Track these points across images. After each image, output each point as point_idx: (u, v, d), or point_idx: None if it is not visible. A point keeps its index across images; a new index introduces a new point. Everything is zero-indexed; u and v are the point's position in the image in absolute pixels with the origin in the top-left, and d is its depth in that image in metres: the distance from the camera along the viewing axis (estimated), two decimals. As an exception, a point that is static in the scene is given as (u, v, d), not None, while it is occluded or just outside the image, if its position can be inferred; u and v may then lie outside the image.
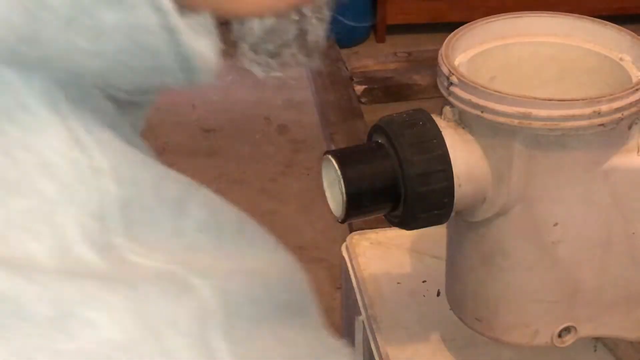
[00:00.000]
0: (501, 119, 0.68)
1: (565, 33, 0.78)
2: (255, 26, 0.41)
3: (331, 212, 0.73)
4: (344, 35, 3.01)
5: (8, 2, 0.32)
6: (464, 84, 0.69)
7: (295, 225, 2.18)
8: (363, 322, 0.91)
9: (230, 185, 2.32)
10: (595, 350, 0.83)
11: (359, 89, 2.73)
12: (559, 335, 0.76)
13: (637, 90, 0.68)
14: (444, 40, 0.74)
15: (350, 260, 0.97)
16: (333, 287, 1.98)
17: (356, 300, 0.92)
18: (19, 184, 0.34)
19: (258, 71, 0.43)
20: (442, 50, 0.73)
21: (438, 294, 0.90)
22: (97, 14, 0.33)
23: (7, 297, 0.31)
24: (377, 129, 0.72)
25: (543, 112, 0.67)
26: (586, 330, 0.77)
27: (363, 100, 2.71)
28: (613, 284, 0.75)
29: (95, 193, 0.34)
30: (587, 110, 0.67)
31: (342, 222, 0.72)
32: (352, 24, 3.05)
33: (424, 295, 0.91)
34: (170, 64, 0.36)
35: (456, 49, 0.74)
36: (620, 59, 0.75)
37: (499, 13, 0.78)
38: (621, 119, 0.68)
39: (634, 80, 0.72)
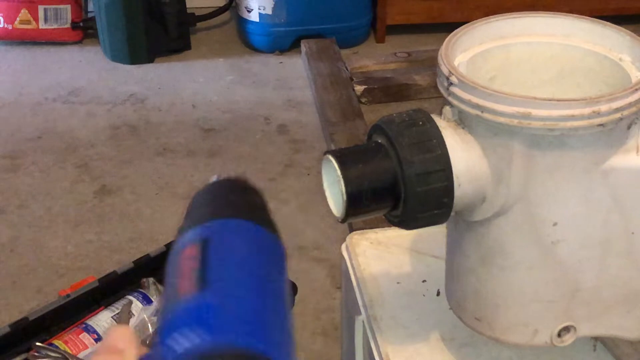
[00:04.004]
0: (501, 119, 0.68)
1: (564, 33, 0.78)
2: None
3: (331, 212, 0.73)
4: (344, 35, 3.02)
5: None
6: (464, 84, 0.69)
7: (295, 225, 2.18)
8: (363, 322, 0.91)
9: (231, 185, 2.32)
10: (594, 350, 0.83)
11: (359, 89, 2.72)
12: (559, 335, 0.76)
13: (636, 90, 0.68)
14: (444, 40, 0.74)
15: (350, 260, 0.97)
16: (333, 287, 1.98)
17: (356, 300, 0.92)
18: None
19: None
20: (442, 50, 0.73)
21: (438, 294, 0.90)
22: None
23: None
24: (377, 129, 0.72)
25: (542, 112, 0.67)
26: (585, 329, 0.77)
27: (363, 100, 2.71)
28: (612, 284, 0.75)
29: None
30: (587, 110, 0.67)
31: (342, 222, 0.72)
32: (352, 24, 3.06)
33: (424, 295, 0.91)
34: None
35: (456, 49, 0.74)
36: (620, 59, 0.75)
37: (499, 13, 0.78)
38: (620, 119, 0.68)
39: (634, 80, 0.72)
